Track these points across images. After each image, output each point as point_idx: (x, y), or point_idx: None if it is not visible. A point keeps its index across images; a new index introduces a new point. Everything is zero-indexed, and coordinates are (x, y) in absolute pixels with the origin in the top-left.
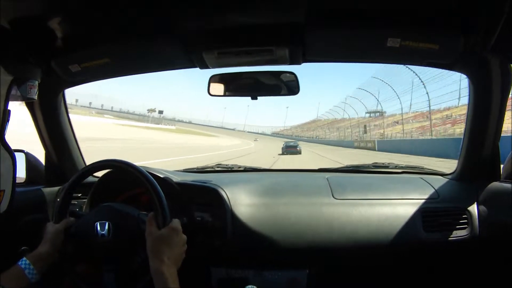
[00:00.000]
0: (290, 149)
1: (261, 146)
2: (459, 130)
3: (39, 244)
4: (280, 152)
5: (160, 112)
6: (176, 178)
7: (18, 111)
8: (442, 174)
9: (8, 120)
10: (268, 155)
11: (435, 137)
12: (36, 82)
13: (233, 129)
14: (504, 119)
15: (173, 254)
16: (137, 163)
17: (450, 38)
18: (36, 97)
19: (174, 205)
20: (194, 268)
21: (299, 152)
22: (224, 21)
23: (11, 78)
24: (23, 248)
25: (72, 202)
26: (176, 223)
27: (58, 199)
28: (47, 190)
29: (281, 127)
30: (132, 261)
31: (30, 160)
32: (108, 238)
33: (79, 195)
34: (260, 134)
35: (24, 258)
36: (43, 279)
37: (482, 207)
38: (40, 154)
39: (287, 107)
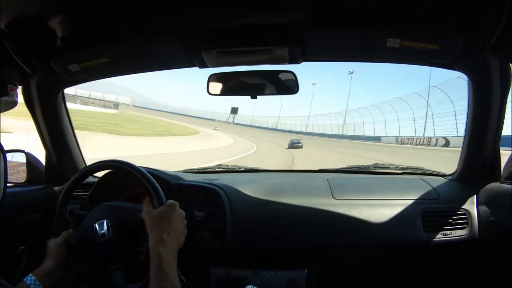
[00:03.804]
0: (295, 145)
1: None
2: None
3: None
4: None
5: (234, 110)
6: (176, 179)
7: None
8: (442, 175)
9: None
10: None
11: None
12: (15, 87)
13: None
14: (504, 119)
15: (173, 229)
16: None
17: (450, 38)
18: (17, 100)
19: None
20: (194, 268)
21: (301, 147)
22: (224, 21)
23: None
24: (22, 247)
25: (72, 201)
26: (172, 201)
27: (58, 199)
28: (47, 190)
29: None
30: (136, 253)
31: (30, 160)
32: (109, 235)
33: (80, 193)
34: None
35: (30, 274)
36: None
37: (482, 208)
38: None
39: None
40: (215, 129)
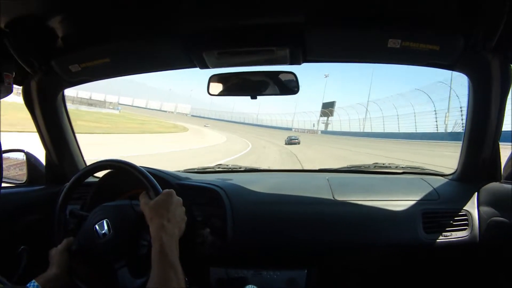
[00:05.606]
0: (292, 141)
1: None
2: None
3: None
4: None
5: (328, 105)
6: (176, 179)
7: None
8: (443, 175)
9: None
10: None
11: None
12: (11, 74)
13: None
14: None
15: (172, 215)
16: None
17: (450, 38)
18: (13, 88)
19: None
20: (194, 268)
21: (298, 143)
22: (224, 21)
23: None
24: (22, 247)
25: (73, 202)
26: (168, 190)
27: (59, 200)
28: (47, 190)
29: None
30: (139, 247)
31: (31, 160)
32: (110, 234)
33: (81, 193)
34: None
35: (34, 280)
36: None
37: (483, 208)
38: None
39: None
40: (205, 126)
